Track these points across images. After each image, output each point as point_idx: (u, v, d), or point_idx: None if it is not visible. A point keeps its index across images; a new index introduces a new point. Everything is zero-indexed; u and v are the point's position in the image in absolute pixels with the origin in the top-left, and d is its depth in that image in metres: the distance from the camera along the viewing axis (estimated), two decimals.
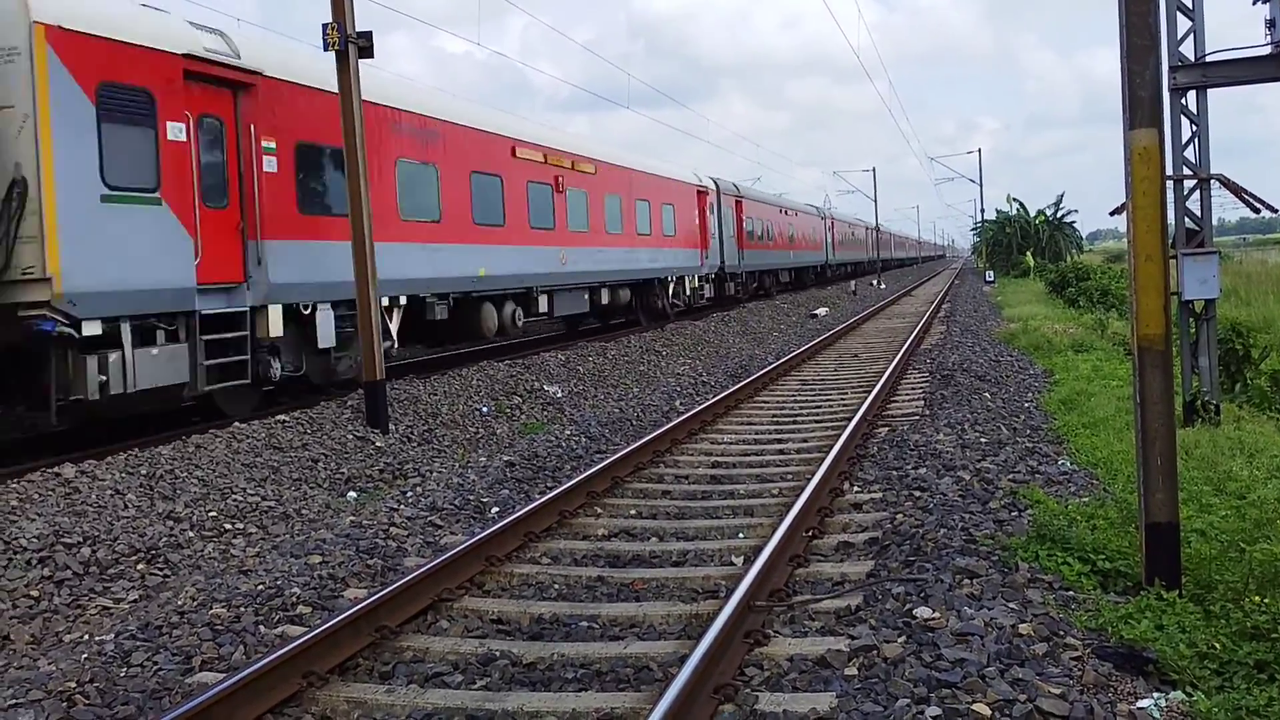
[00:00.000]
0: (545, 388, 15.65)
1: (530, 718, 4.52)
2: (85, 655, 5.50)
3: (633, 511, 8.12)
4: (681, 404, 14.00)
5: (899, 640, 4.81)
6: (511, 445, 11.92)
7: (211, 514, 8.59)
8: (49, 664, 5.50)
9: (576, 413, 14.40)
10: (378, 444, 11.44)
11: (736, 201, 34.54)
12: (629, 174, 24.39)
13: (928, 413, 11.66)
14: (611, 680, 4.89)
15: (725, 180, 34.01)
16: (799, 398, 14.06)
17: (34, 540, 7.36)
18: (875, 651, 4.74)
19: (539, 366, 16.94)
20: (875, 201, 71.64)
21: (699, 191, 30.01)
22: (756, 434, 11.37)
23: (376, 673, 5.17)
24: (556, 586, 6.38)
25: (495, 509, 8.31)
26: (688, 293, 28.59)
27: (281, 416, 11.55)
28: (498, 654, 5.21)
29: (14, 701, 4.88)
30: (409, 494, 9.09)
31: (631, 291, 24.74)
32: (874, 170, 70.25)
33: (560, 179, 19.83)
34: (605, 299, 22.70)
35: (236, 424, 11.03)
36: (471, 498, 8.59)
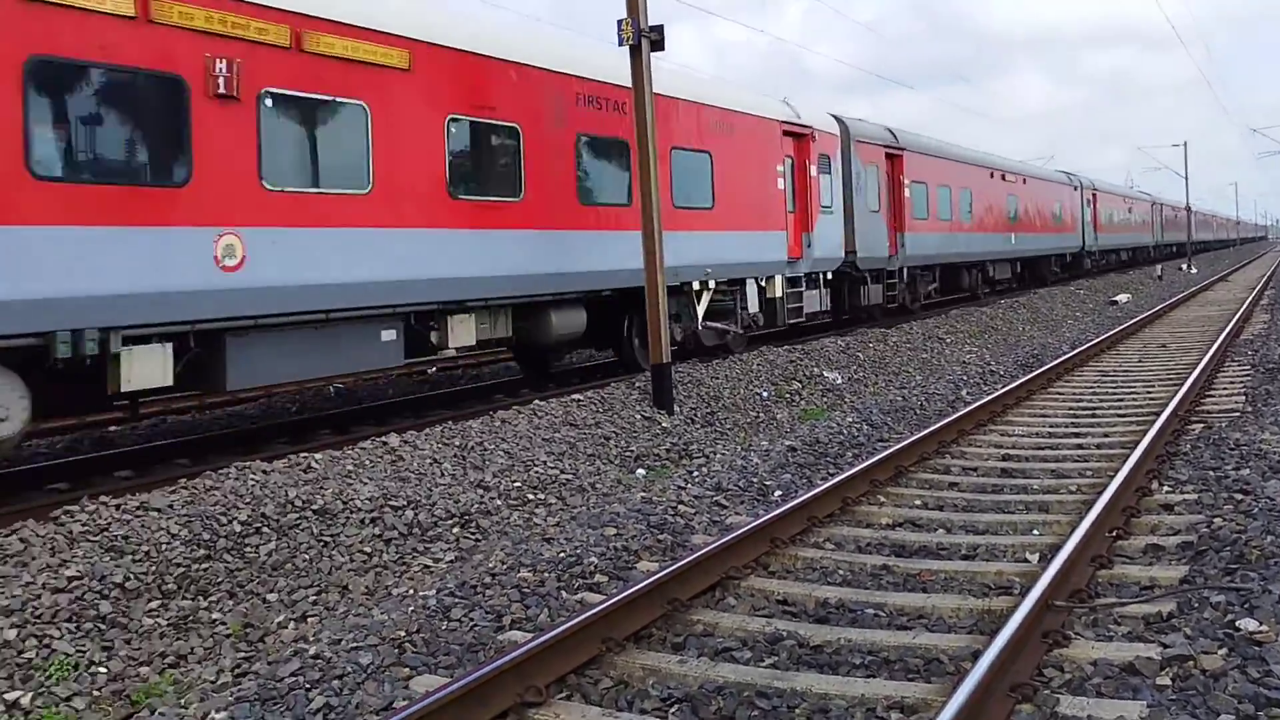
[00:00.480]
0: (825, 374, 15.59)
1: (819, 699, 4.57)
2: (411, 608, 6.06)
3: (918, 502, 7.98)
4: (968, 393, 13.53)
5: (1219, 652, 4.48)
6: (792, 430, 11.98)
7: (516, 484, 9.24)
8: (381, 613, 6.12)
9: (857, 400, 14.25)
10: (664, 424, 11.85)
11: (889, 155, 22.59)
12: (549, 81, 12.69)
13: (1250, 409, 10.64)
14: (900, 669, 4.84)
15: (868, 123, 22.30)
16: (1098, 390, 13.21)
17: (366, 502, 8.22)
18: (1191, 662, 4.43)
19: (818, 352, 16.88)
20: (1186, 179, 65.80)
21: (787, 133, 18.14)
22: (1051, 427, 10.82)
23: (669, 643, 5.37)
24: (840, 572, 6.38)
25: (778, 492, 8.41)
26: (754, 308, 17.08)
27: (577, 396, 12.23)
28: (784, 634, 5.29)
29: (355, 644, 5.49)
30: (694, 473, 9.37)
31: (600, 310, 14.02)
32: (1185, 145, 64.40)
33: (233, 71, 8.91)
34: (485, 329, 11.85)
35: (537, 401, 11.80)
36: (754, 480, 8.74)
